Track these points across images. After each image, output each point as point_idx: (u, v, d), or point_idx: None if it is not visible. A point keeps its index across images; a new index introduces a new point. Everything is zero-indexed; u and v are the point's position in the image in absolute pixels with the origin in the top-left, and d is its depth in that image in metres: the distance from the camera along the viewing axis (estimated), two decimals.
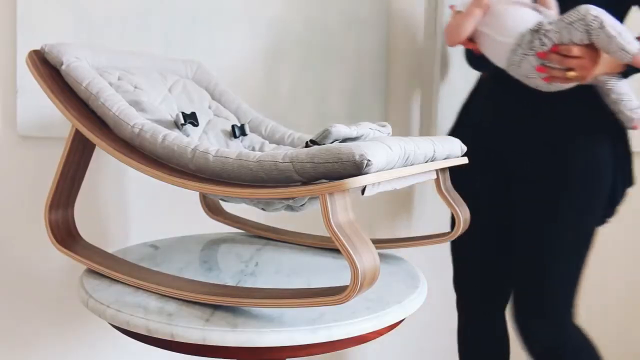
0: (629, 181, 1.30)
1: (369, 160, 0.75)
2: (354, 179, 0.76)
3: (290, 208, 0.96)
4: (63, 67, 1.04)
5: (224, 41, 1.51)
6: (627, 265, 1.85)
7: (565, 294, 1.28)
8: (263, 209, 0.98)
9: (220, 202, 1.37)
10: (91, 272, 1.04)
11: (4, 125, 1.40)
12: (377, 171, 0.79)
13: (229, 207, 1.42)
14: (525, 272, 1.29)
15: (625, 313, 1.87)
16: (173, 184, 0.90)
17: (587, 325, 1.84)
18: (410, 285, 1.05)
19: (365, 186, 0.85)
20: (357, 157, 0.76)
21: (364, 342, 0.94)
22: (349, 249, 0.76)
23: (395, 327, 1.00)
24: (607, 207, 1.28)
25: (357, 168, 0.76)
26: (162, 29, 1.45)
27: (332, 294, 0.80)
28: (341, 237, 0.76)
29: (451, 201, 1.10)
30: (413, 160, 0.90)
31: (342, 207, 0.79)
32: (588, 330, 1.85)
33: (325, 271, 1.10)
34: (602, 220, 1.31)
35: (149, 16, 1.44)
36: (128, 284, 0.99)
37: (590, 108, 1.24)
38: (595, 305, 1.86)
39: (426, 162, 0.96)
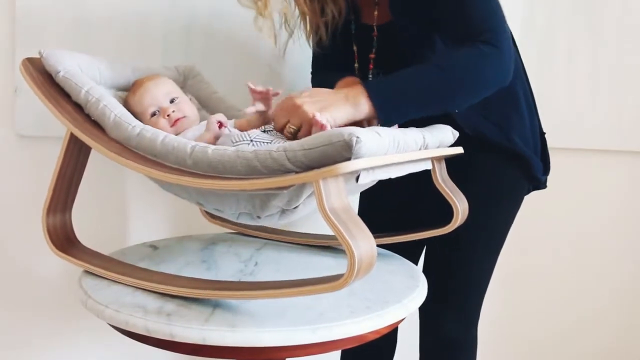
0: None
1: (357, 138, 0.76)
2: (347, 164, 0.76)
3: (284, 213, 0.95)
4: (61, 74, 1.04)
5: (223, 44, 1.51)
6: (627, 266, 1.85)
7: (480, 297, 1.30)
8: (258, 217, 0.97)
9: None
10: (90, 272, 1.04)
11: (2, 125, 1.41)
12: (370, 156, 0.79)
13: None
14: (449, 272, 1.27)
15: (625, 315, 1.86)
16: (168, 181, 0.90)
17: (587, 326, 1.85)
18: (409, 285, 1.05)
19: (359, 174, 0.85)
20: (346, 136, 0.76)
21: (363, 342, 0.93)
22: (345, 234, 0.76)
23: (394, 326, 1.00)
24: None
25: (347, 147, 0.76)
26: (161, 32, 1.46)
27: (329, 281, 0.80)
28: (336, 222, 0.76)
29: (448, 192, 1.10)
30: (405, 147, 0.90)
31: (336, 193, 0.78)
32: (588, 331, 1.86)
33: (325, 270, 1.08)
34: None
35: (147, 18, 1.44)
36: (127, 284, 0.98)
37: None
38: (594, 307, 1.86)
39: (419, 149, 0.96)
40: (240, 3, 1.19)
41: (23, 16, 1.36)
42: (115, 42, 1.42)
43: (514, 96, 1.22)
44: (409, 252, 1.28)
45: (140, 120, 1.10)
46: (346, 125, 0.96)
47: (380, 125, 0.99)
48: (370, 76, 1.23)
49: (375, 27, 1.21)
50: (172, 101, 1.11)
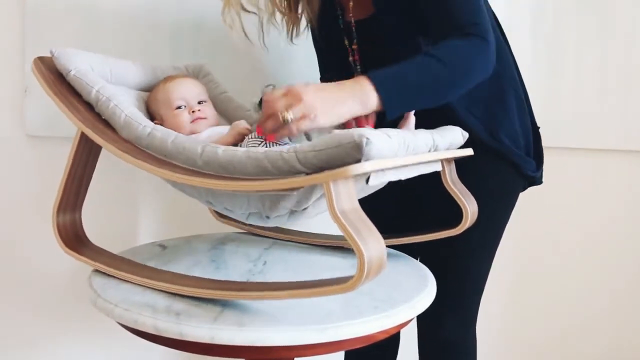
0: None
1: (367, 139, 0.76)
2: (357, 165, 0.76)
3: (293, 214, 0.95)
4: (72, 73, 1.05)
5: (231, 43, 1.50)
6: (628, 266, 1.83)
7: (478, 297, 1.30)
8: (267, 217, 0.97)
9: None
10: (99, 271, 1.04)
11: (12, 125, 1.41)
12: (380, 158, 0.79)
13: None
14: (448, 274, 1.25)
15: (625, 315, 1.85)
16: (178, 181, 0.90)
17: (587, 327, 1.84)
18: (418, 285, 1.04)
19: (369, 176, 0.85)
20: (356, 137, 0.76)
21: (371, 342, 0.93)
22: (355, 236, 0.75)
23: (403, 326, 1.00)
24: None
25: (357, 148, 0.76)
26: (170, 30, 1.46)
27: (338, 283, 0.80)
28: (346, 225, 0.76)
29: (458, 193, 1.09)
30: (414, 149, 0.90)
31: (346, 195, 0.78)
32: (588, 332, 1.85)
33: (333, 270, 1.09)
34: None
35: (156, 17, 1.45)
36: (136, 284, 0.98)
37: None
38: (595, 307, 1.85)
39: (429, 151, 0.96)
40: None
41: (32, 17, 1.37)
42: (124, 40, 1.43)
43: (500, 94, 1.22)
44: (405, 252, 1.28)
45: (160, 110, 1.14)
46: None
47: (385, 118, 0.98)
48: (359, 68, 1.24)
49: (353, 21, 1.22)
50: (199, 103, 1.17)
